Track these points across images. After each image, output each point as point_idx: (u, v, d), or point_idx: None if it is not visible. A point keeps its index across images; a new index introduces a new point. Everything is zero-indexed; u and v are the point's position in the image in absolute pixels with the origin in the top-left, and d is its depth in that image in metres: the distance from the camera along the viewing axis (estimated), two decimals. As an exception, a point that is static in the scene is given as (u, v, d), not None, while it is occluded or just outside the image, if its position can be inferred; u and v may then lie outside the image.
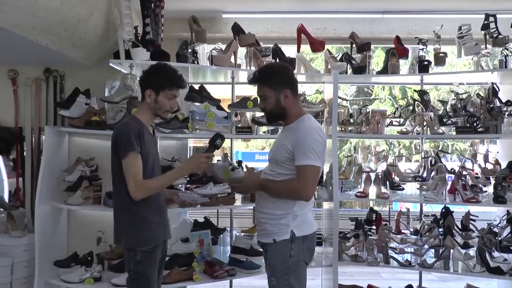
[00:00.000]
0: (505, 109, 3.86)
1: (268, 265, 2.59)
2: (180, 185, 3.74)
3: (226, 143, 3.75)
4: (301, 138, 2.46)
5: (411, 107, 4.17)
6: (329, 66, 4.17)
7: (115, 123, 3.57)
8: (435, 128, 3.99)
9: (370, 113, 4.17)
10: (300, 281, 2.53)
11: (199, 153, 2.65)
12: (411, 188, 4.09)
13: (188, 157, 4.22)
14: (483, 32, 3.94)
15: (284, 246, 2.49)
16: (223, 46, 3.97)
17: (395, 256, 3.93)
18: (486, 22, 3.91)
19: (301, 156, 2.43)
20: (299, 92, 2.75)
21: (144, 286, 2.56)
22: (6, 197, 4.29)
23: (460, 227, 4.13)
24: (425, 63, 4.02)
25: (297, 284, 2.50)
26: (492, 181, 3.87)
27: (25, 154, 4.14)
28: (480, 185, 3.89)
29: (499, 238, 3.84)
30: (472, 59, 4.04)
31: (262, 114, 3.91)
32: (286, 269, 2.48)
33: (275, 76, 2.58)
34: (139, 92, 3.74)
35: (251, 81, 2.65)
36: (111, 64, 3.64)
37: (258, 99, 2.72)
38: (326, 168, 4.00)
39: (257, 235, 2.69)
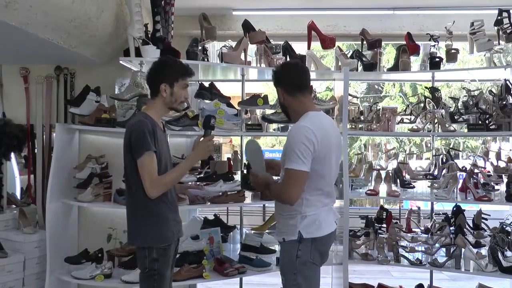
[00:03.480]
0: (518, 106, 3.80)
1: (279, 263, 2.64)
2: (190, 183, 3.74)
3: (236, 140, 3.76)
4: (288, 140, 2.47)
5: (422, 104, 4.14)
6: (339, 63, 4.15)
7: (125, 120, 3.57)
8: (447, 125, 3.95)
9: (380, 110, 4.15)
10: (309, 282, 2.50)
11: (202, 139, 2.68)
12: (422, 186, 4.06)
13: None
14: (496, 28, 3.88)
15: (292, 246, 2.48)
16: (233, 44, 3.96)
17: (406, 254, 3.90)
18: (499, 17, 3.84)
19: (287, 159, 2.42)
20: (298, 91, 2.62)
21: (158, 283, 2.57)
22: (18, 194, 4.32)
23: (471, 226, 4.09)
24: (437, 59, 3.97)
25: (305, 284, 2.48)
26: (505, 179, 3.80)
27: (36, 151, 4.17)
28: (492, 183, 3.84)
29: (512, 237, 3.79)
30: (484, 55, 3.98)
31: (272, 111, 3.97)
32: (293, 269, 2.47)
33: (274, 75, 2.67)
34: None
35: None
36: (121, 62, 3.65)
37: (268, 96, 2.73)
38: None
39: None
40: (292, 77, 2.61)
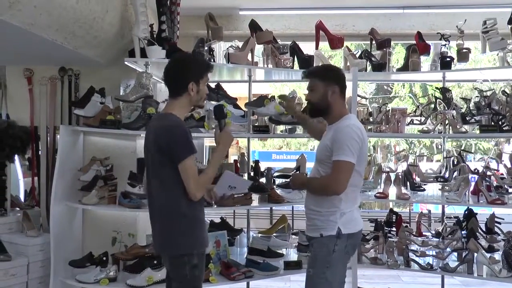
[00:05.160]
0: (532, 107, 3.73)
1: (310, 257, 2.76)
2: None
3: (243, 142, 3.73)
4: (338, 136, 2.60)
5: (432, 105, 4.10)
6: (348, 64, 4.09)
7: (130, 122, 3.56)
8: (458, 126, 3.89)
9: (390, 111, 4.10)
10: (335, 277, 2.65)
11: (223, 131, 2.66)
12: (432, 189, 4.01)
13: (209, 152, 4.23)
14: (509, 26, 3.81)
15: (330, 241, 2.62)
16: (240, 44, 3.92)
17: (416, 259, 3.83)
18: (513, 15, 3.78)
19: (336, 152, 2.57)
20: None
21: None
22: (21, 196, 4.31)
23: (484, 229, 4.03)
24: (448, 59, 3.92)
25: (332, 278, 2.62)
26: (519, 182, 3.74)
27: (40, 153, 4.14)
28: (505, 186, 3.77)
29: (527, 242, 3.70)
30: (497, 54, 3.91)
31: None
32: (326, 263, 2.61)
33: (328, 71, 2.81)
34: (154, 91, 3.77)
35: (305, 74, 2.89)
36: (126, 63, 3.62)
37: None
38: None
39: (306, 229, 2.86)
40: (345, 79, 2.79)
